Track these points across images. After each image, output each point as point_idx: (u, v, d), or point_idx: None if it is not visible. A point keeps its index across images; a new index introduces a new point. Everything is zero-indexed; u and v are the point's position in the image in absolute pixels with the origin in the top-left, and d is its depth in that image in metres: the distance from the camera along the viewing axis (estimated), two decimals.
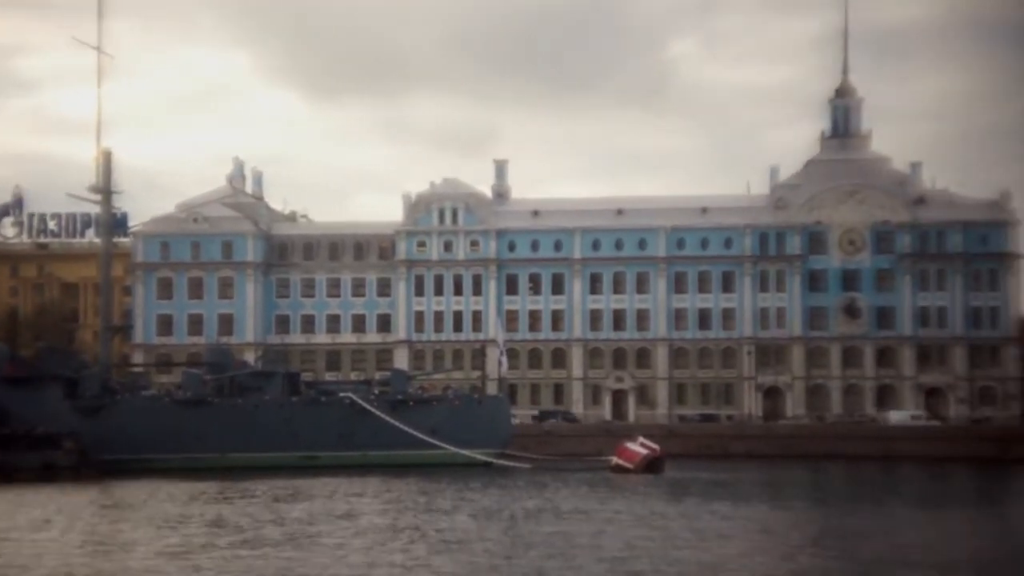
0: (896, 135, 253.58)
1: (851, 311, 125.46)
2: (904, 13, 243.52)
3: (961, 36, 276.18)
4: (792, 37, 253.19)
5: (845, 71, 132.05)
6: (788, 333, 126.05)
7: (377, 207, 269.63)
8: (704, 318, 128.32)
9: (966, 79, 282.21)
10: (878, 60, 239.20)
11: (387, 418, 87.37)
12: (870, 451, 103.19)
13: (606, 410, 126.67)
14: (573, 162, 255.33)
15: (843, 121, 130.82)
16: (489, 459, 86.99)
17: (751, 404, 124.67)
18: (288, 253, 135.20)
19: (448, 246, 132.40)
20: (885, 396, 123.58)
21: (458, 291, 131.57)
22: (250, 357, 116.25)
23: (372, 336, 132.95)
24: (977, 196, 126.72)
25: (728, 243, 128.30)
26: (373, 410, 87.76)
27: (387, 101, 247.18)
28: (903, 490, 75.77)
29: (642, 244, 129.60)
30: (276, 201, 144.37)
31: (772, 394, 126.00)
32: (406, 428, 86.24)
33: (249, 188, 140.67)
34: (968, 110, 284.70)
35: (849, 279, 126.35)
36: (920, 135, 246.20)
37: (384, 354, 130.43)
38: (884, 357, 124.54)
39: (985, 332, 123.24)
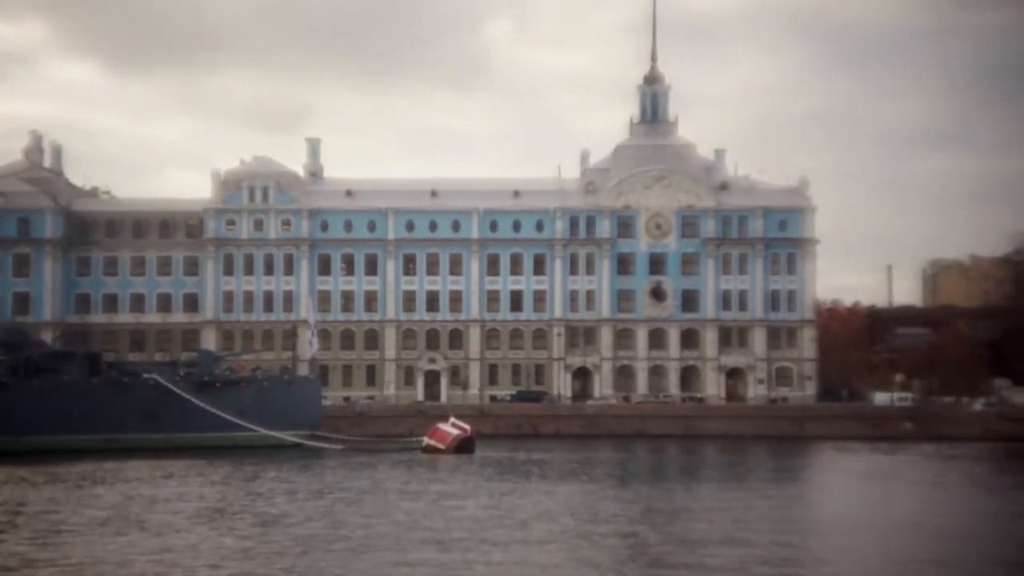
0: (702, 122, 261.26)
1: (657, 294, 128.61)
2: (711, 3, 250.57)
3: (764, 26, 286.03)
4: (604, 23, 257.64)
5: (653, 58, 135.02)
6: (597, 315, 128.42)
7: (185, 184, 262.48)
8: (516, 300, 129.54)
9: (768, 68, 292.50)
10: (686, 48, 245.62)
11: (193, 399, 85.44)
12: (674, 430, 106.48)
13: (419, 391, 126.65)
14: (388, 142, 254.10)
15: (651, 107, 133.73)
16: (299, 440, 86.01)
17: (561, 384, 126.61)
18: (90, 230, 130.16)
19: (259, 225, 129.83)
20: (689, 377, 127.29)
21: (269, 271, 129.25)
22: (48, 337, 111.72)
23: (179, 316, 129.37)
24: (777, 183, 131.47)
25: (540, 226, 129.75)
26: (178, 391, 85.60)
27: (196, 75, 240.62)
28: (707, 468, 78.31)
29: (456, 226, 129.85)
30: (77, 176, 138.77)
31: (581, 375, 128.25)
32: (213, 410, 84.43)
33: (48, 162, 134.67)
34: (770, 99, 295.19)
35: (656, 263, 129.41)
36: (724, 122, 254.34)
37: (191, 335, 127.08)
38: (688, 339, 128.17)
39: (783, 315, 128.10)
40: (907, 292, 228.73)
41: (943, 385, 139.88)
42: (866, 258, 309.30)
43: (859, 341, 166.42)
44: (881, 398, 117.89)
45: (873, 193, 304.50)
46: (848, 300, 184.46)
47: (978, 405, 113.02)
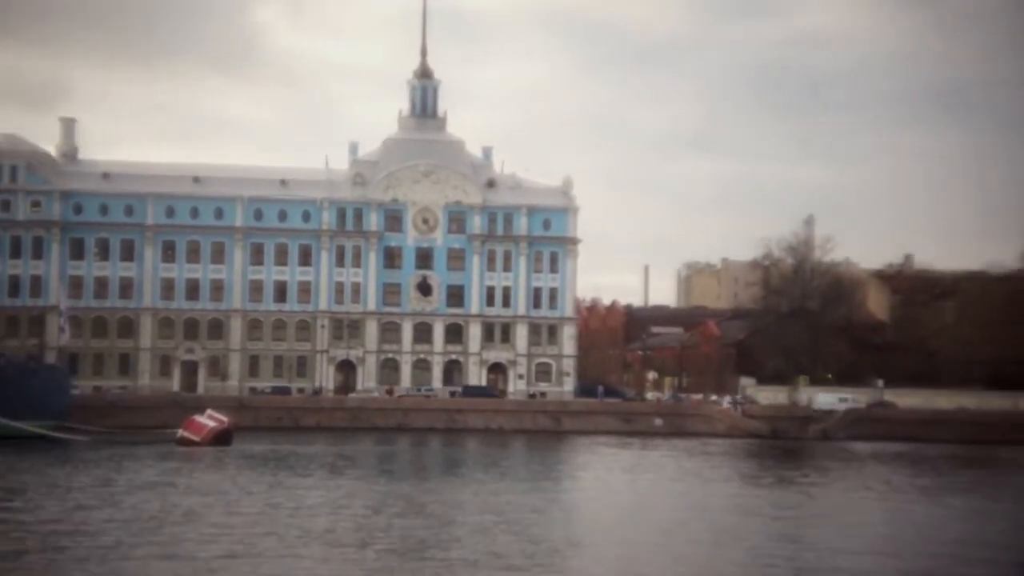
0: (471, 119, 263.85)
1: (424, 288, 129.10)
2: (482, 1, 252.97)
3: (534, 27, 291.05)
4: (378, 14, 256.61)
5: (424, 53, 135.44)
6: (363, 308, 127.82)
7: None
8: (281, 291, 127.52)
9: (537, 69, 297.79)
10: (457, 44, 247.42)
11: None
12: (437, 424, 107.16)
13: (175, 382, 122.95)
14: (152, 126, 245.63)
15: (421, 102, 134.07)
16: (44, 432, 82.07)
17: (324, 377, 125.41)
18: None
19: (6, 206, 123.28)
20: (452, 371, 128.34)
21: (16, 254, 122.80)
22: None
23: None
24: (543, 182, 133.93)
25: (307, 216, 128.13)
26: None
27: None
28: (466, 462, 79.13)
29: (219, 213, 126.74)
30: None
31: (345, 367, 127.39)
32: None
33: None
34: (537, 99, 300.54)
35: (423, 257, 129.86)
36: (493, 120, 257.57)
37: None
38: (453, 333, 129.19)
39: (545, 312, 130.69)
40: (662, 293, 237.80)
41: (693, 383, 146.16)
42: (625, 259, 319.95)
43: (616, 339, 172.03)
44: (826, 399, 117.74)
45: (633, 195, 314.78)
46: (607, 299, 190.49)
47: (725, 403, 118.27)
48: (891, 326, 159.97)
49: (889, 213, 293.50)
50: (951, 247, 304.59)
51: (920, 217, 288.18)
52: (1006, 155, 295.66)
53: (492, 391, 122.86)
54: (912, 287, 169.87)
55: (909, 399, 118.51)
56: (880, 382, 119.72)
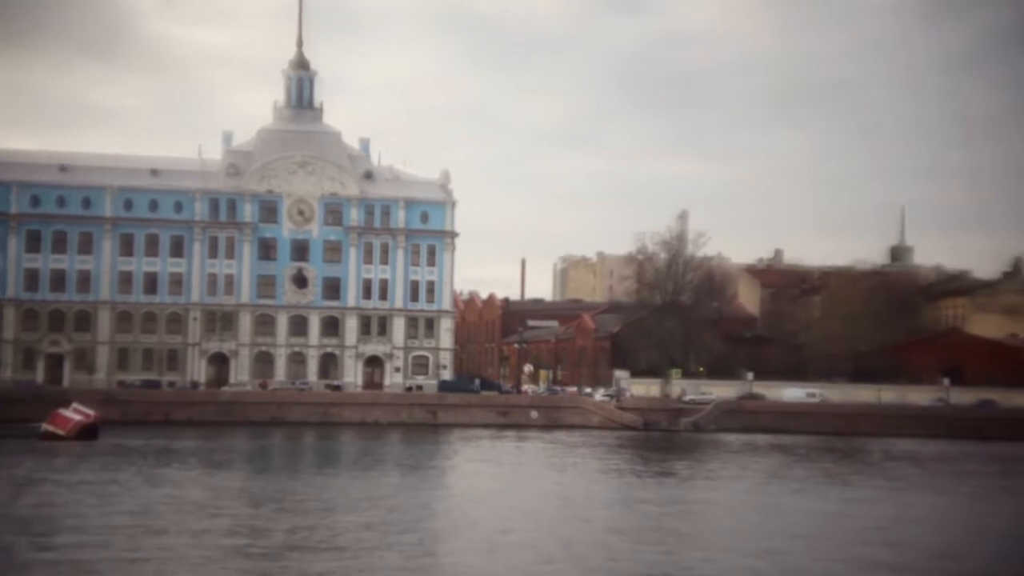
0: (348, 110, 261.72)
1: (299, 280, 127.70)
2: None
3: (413, 19, 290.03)
4: (252, 2, 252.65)
5: (300, 43, 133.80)
6: (237, 300, 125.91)
7: None
8: (151, 282, 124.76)
9: (416, 61, 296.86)
10: (334, 35, 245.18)
11: None
12: (312, 417, 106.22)
13: (39, 374, 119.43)
14: (14, 111, 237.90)
15: (297, 92, 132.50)
16: None
17: (196, 370, 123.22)
18: None
19: None
20: (328, 364, 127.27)
21: None
22: None
23: None
24: (421, 175, 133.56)
25: (179, 207, 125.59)
26: None
27: None
28: (343, 455, 78.75)
29: (87, 203, 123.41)
30: None
31: (218, 360, 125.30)
32: None
33: None
34: (416, 91, 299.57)
35: (299, 249, 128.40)
36: (370, 112, 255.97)
37: None
38: (329, 326, 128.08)
39: (422, 305, 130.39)
40: (540, 286, 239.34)
41: (569, 376, 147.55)
42: (503, 252, 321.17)
43: (493, 332, 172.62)
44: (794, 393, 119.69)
45: (511, 188, 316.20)
46: (484, 292, 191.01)
47: (599, 395, 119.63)
48: (761, 320, 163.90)
49: (760, 209, 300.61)
50: (820, 243, 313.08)
51: (790, 213, 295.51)
52: (874, 152, 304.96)
53: (469, 386, 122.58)
54: (781, 282, 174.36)
55: (778, 391, 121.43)
56: (750, 375, 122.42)
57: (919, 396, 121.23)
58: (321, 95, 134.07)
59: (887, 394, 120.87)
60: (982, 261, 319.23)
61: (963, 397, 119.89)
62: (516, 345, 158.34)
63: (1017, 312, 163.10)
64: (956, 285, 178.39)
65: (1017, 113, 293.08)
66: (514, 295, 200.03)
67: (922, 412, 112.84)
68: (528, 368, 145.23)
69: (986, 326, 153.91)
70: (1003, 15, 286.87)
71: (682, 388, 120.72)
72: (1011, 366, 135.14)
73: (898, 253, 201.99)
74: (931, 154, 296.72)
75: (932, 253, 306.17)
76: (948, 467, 76.99)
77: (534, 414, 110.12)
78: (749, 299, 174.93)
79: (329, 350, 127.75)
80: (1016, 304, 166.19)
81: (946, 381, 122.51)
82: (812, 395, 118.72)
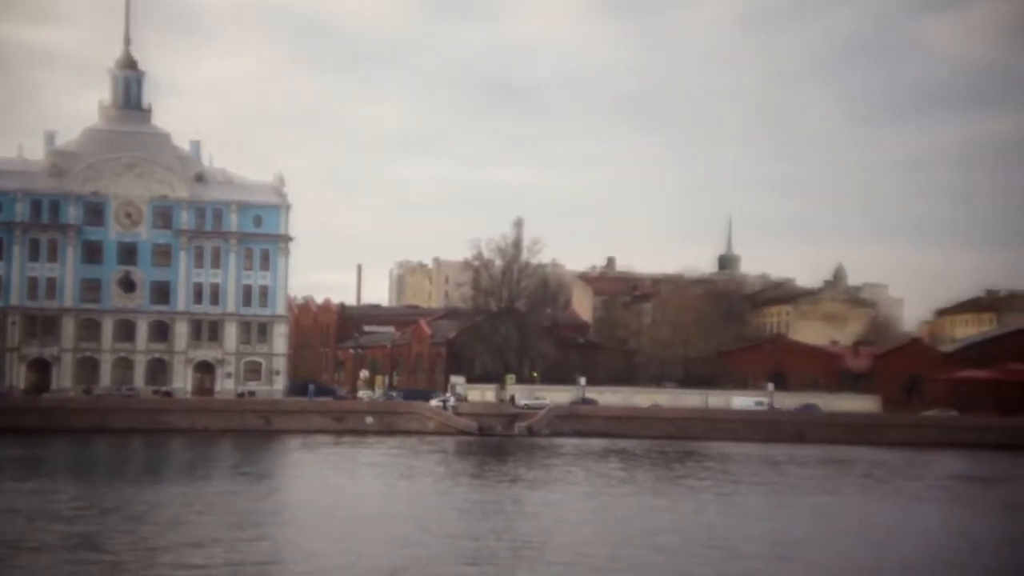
0: (179, 112, 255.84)
1: (127, 284, 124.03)
2: None
3: (248, 21, 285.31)
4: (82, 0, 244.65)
5: (127, 41, 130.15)
6: (59, 304, 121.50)
7: None
8: None
9: (251, 63, 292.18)
10: (164, 35, 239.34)
11: None
12: (138, 424, 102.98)
13: None
14: None
15: (124, 92, 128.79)
16: None
17: (15, 376, 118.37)
18: None
19: None
20: (156, 370, 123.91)
21: None
22: None
23: None
24: (255, 178, 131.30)
25: None
26: None
27: None
28: (172, 463, 76.85)
29: None
30: None
31: (39, 366, 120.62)
32: None
33: None
34: (251, 94, 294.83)
35: (126, 252, 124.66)
36: (202, 114, 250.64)
37: None
38: (158, 331, 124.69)
39: (256, 310, 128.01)
40: (376, 292, 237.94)
41: (406, 381, 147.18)
42: (339, 257, 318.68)
43: (329, 337, 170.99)
44: (742, 402, 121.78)
45: (348, 193, 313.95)
46: (320, 297, 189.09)
47: (435, 401, 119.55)
48: (594, 326, 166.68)
49: (594, 217, 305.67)
50: (652, 251, 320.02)
51: (624, 221, 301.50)
52: (705, 163, 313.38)
53: (432, 394, 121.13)
54: (613, 289, 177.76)
55: (610, 397, 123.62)
56: (583, 380, 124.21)
57: (744, 401, 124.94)
58: (151, 96, 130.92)
59: (714, 399, 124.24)
60: (805, 270, 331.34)
61: (786, 401, 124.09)
62: (352, 351, 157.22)
63: (837, 319, 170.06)
64: (780, 293, 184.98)
65: (840, 126, 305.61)
66: (351, 300, 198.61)
67: (747, 416, 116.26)
68: (364, 374, 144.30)
69: (808, 333, 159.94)
70: (832, 34, 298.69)
71: (511, 394, 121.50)
72: (831, 371, 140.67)
73: (725, 262, 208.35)
74: (759, 165, 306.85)
75: (758, 262, 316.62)
76: (764, 469, 79.52)
77: (370, 420, 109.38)
78: (582, 306, 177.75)
79: (158, 355, 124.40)
80: (836, 312, 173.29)
81: (770, 386, 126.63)
82: (760, 403, 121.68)
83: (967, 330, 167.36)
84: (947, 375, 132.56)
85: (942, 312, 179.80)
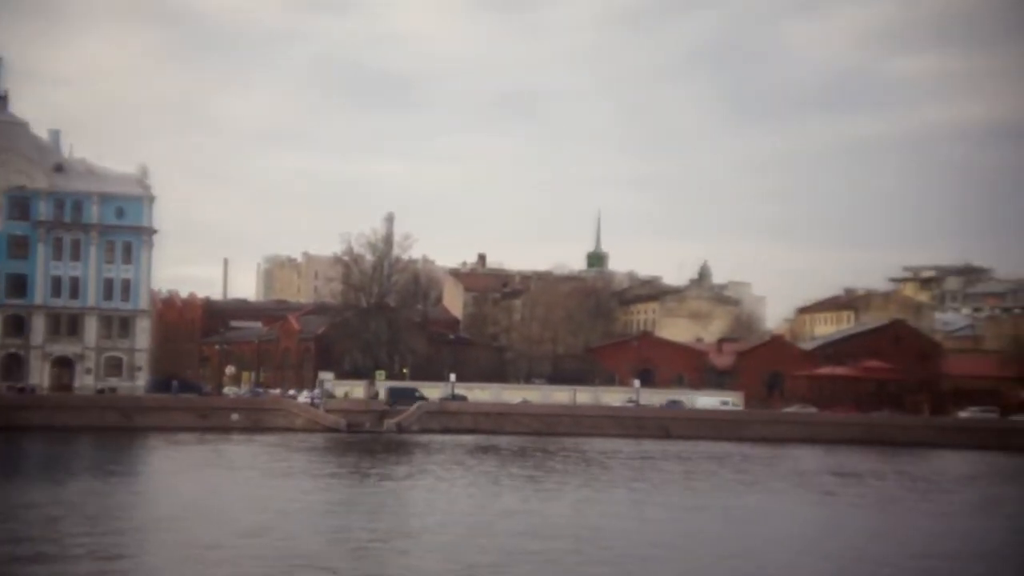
0: (38, 100, 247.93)
1: None
2: None
3: (109, 9, 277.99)
4: None
5: None
6: None
7: None
8: None
9: (113, 52, 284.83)
10: (24, 21, 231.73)
11: None
12: None
13: None
14: None
15: None
16: None
17: None
18: None
19: None
20: (11, 366, 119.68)
21: None
22: None
23: None
24: (117, 169, 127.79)
25: None
26: None
27: None
28: (27, 462, 74.56)
29: None
30: None
31: None
32: None
33: None
34: (113, 83, 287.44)
35: None
36: (63, 103, 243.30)
37: None
38: (13, 325, 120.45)
39: (117, 304, 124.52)
40: (244, 286, 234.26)
41: (274, 377, 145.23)
42: (206, 251, 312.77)
43: (194, 333, 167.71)
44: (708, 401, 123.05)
45: (215, 186, 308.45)
46: (185, 292, 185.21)
47: (303, 397, 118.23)
48: (464, 323, 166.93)
49: (466, 213, 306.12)
50: (524, 247, 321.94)
51: (496, 217, 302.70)
52: (576, 160, 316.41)
53: (415, 393, 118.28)
54: (484, 285, 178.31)
55: (479, 393, 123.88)
56: (452, 377, 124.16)
57: (612, 397, 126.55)
58: (7, 83, 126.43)
59: (582, 395, 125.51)
60: (672, 268, 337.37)
61: (652, 398, 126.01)
62: (218, 346, 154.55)
63: (702, 317, 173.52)
64: (648, 291, 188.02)
65: (706, 126, 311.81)
66: (217, 295, 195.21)
67: (614, 412, 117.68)
68: (230, 369, 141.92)
69: (675, 330, 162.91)
70: (697, 35, 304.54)
71: (377, 390, 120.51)
72: (696, 368, 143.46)
73: (594, 259, 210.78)
74: (627, 163, 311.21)
75: (626, 260, 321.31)
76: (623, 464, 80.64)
77: (235, 416, 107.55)
78: (453, 302, 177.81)
79: (13, 350, 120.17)
80: (701, 309, 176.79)
81: (637, 383, 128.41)
82: (725, 403, 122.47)
83: (826, 328, 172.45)
84: (807, 372, 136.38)
85: (803, 310, 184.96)
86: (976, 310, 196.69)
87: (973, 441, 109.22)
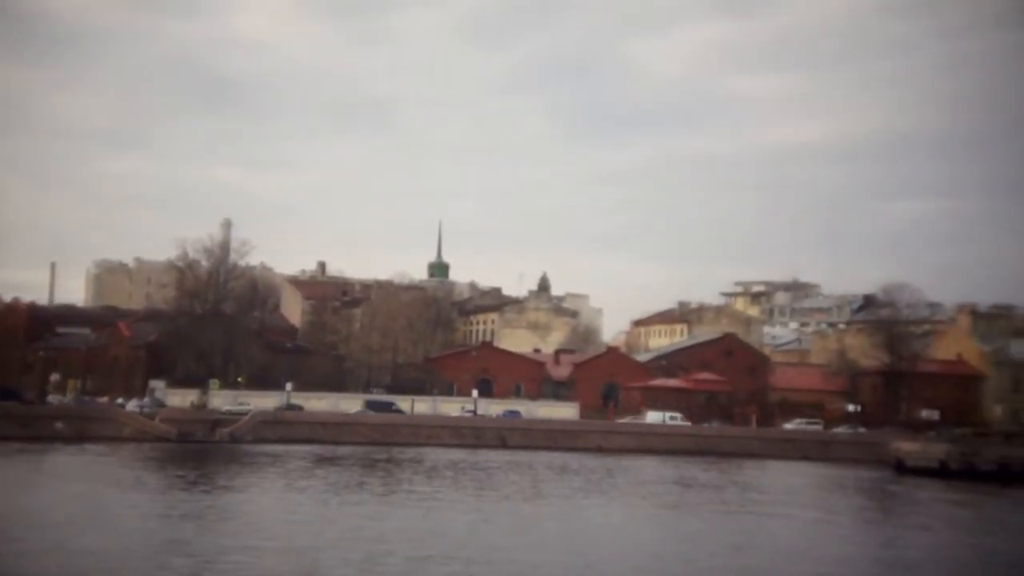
0: None
1: None
2: None
3: None
4: None
5: None
6: None
7: None
8: None
9: None
10: None
11: None
12: None
13: None
14: None
15: None
16: None
17: None
18: None
19: None
20: None
21: None
22: None
23: None
24: None
25: None
26: None
27: None
28: None
29: None
30: None
31: None
32: None
33: None
34: None
35: None
36: None
37: None
38: None
39: None
40: (72, 291, 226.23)
41: (102, 385, 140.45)
42: (30, 254, 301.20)
43: (17, 339, 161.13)
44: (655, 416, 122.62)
45: (40, 187, 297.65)
46: (8, 296, 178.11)
47: (132, 405, 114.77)
48: (303, 331, 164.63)
49: (306, 220, 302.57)
50: (363, 256, 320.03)
51: (335, 225, 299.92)
52: (419, 170, 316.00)
53: (392, 406, 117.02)
54: (324, 294, 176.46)
55: (317, 403, 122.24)
56: (289, 385, 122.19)
57: (450, 407, 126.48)
58: None
59: (420, 405, 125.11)
60: (511, 279, 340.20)
61: (491, 408, 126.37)
62: (42, 353, 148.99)
63: (541, 328, 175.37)
64: (488, 301, 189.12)
65: (546, 140, 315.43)
66: (43, 300, 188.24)
67: (452, 422, 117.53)
68: (55, 377, 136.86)
69: (514, 340, 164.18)
70: (544, 50, 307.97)
71: (204, 399, 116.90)
72: (534, 379, 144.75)
73: (436, 269, 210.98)
74: (469, 174, 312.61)
75: (468, 270, 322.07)
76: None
77: (59, 425, 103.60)
78: (292, 310, 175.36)
79: None
80: (540, 320, 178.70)
81: (475, 393, 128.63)
82: (673, 417, 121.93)
83: (661, 340, 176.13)
84: (641, 383, 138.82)
85: (638, 323, 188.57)
86: (803, 325, 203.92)
87: (798, 452, 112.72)
